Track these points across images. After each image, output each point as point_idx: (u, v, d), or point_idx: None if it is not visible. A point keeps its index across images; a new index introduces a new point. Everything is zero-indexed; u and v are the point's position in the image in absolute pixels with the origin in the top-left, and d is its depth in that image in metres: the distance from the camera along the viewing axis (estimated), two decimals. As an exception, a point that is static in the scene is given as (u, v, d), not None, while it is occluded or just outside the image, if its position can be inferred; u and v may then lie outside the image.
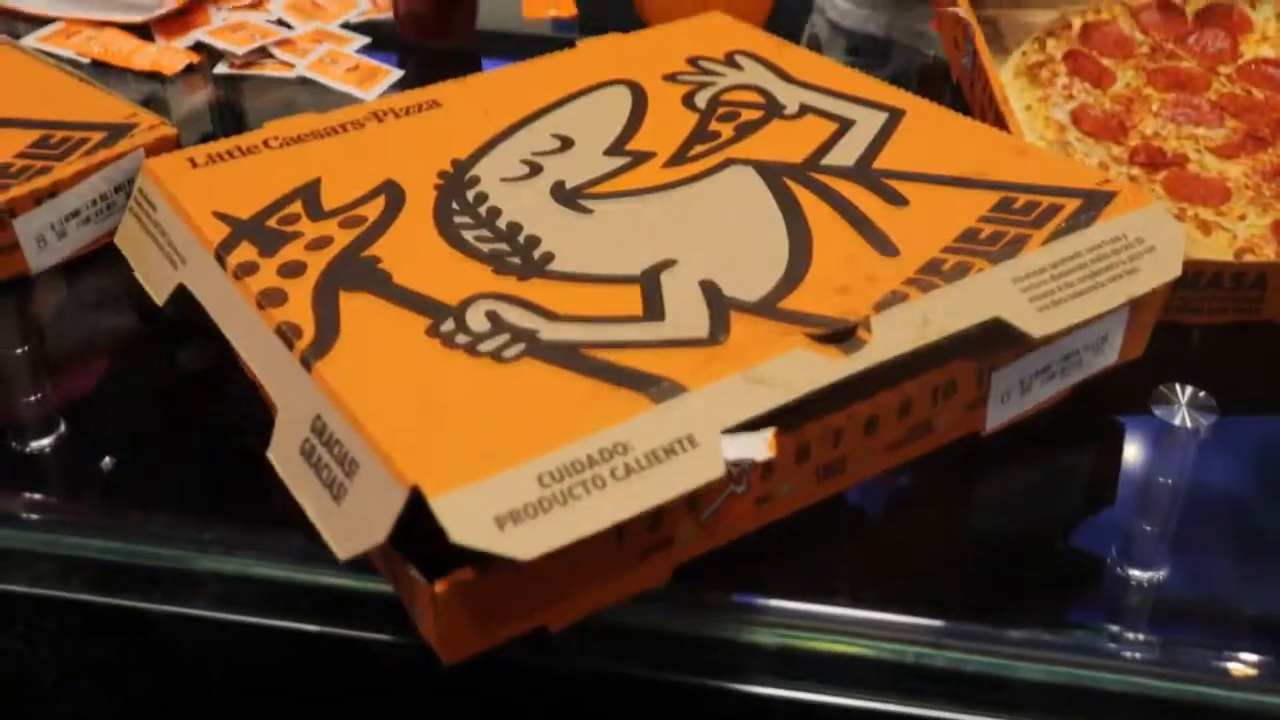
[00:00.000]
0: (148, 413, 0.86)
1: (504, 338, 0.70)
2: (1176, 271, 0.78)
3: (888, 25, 1.32)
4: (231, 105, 1.19)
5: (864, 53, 1.31)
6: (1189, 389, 0.72)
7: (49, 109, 1.00)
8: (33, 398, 0.82)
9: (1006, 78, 1.11)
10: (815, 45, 1.31)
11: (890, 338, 0.69)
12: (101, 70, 1.19)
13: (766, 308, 0.71)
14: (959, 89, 1.14)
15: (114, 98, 1.04)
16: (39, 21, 1.24)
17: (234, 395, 0.81)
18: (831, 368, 0.67)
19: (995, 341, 0.73)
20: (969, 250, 0.75)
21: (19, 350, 0.83)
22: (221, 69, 1.22)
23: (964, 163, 0.85)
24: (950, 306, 0.72)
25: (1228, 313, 0.87)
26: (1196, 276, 0.85)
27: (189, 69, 1.20)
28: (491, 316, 0.72)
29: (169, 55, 1.21)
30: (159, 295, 0.83)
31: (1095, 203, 0.79)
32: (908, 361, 0.70)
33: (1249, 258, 0.90)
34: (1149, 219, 0.79)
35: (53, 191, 0.93)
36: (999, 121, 0.98)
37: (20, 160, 0.94)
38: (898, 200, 0.82)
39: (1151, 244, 0.78)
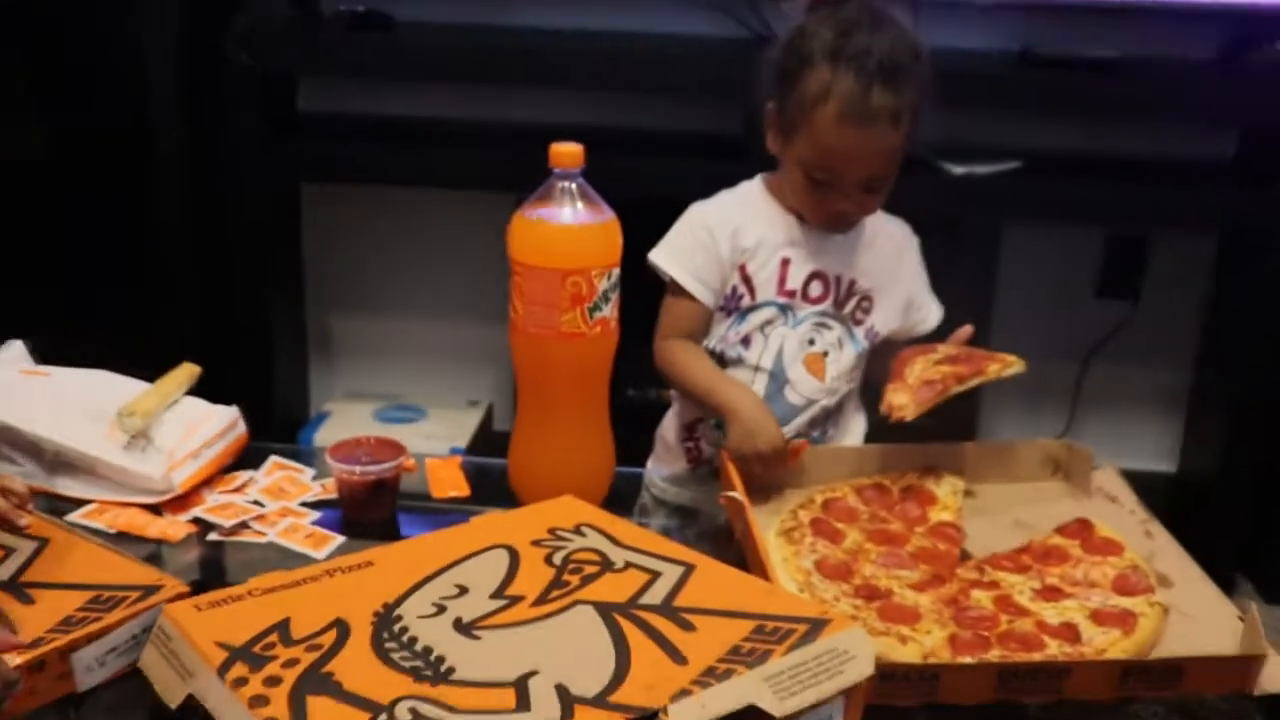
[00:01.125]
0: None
1: None
2: (869, 671, 0.90)
3: (693, 499, 1.39)
4: (219, 563, 1.22)
5: (678, 516, 1.38)
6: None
7: (100, 575, 1.06)
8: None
9: (770, 536, 1.19)
10: (644, 511, 1.37)
11: (680, 719, 0.82)
12: (123, 537, 1.21)
13: (599, 701, 0.84)
14: (741, 544, 1.20)
15: (146, 567, 1.09)
16: (79, 502, 1.28)
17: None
18: (643, 742, 0.79)
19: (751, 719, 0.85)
20: (734, 660, 0.88)
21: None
22: (213, 536, 1.24)
23: (733, 601, 0.97)
24: (720, 696, 0.84)
25: (918, 697, 0.97)
26: (894, 673, 0.95)
27: (187, 537, 1.24)
28: (413, 711, 0.82)
29: (174, 527, 1.24)
30: (173, 701, 0.90)
31: (816, 627, 0.92)
32: None
33: (931, 659, 1.01)
34: (851, 637, 0.92)
35: (101, 634, 0.99)
36: (763, 570, 1.08)
37: (79, 612, 1.00)
38: (689, 627, 0.93)
39: (853, 654, 0.91)
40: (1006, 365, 1.34)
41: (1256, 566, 2.57)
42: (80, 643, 0.98)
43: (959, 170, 2.34)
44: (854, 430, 1.56)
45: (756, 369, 1.49)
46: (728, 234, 1.46)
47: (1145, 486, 1.33)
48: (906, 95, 1.37)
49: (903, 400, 1.31)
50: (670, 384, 1.52)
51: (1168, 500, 2.66)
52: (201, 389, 1.42)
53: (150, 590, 1.05)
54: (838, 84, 1.35)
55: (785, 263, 1.47)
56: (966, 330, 1.43)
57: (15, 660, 0.95)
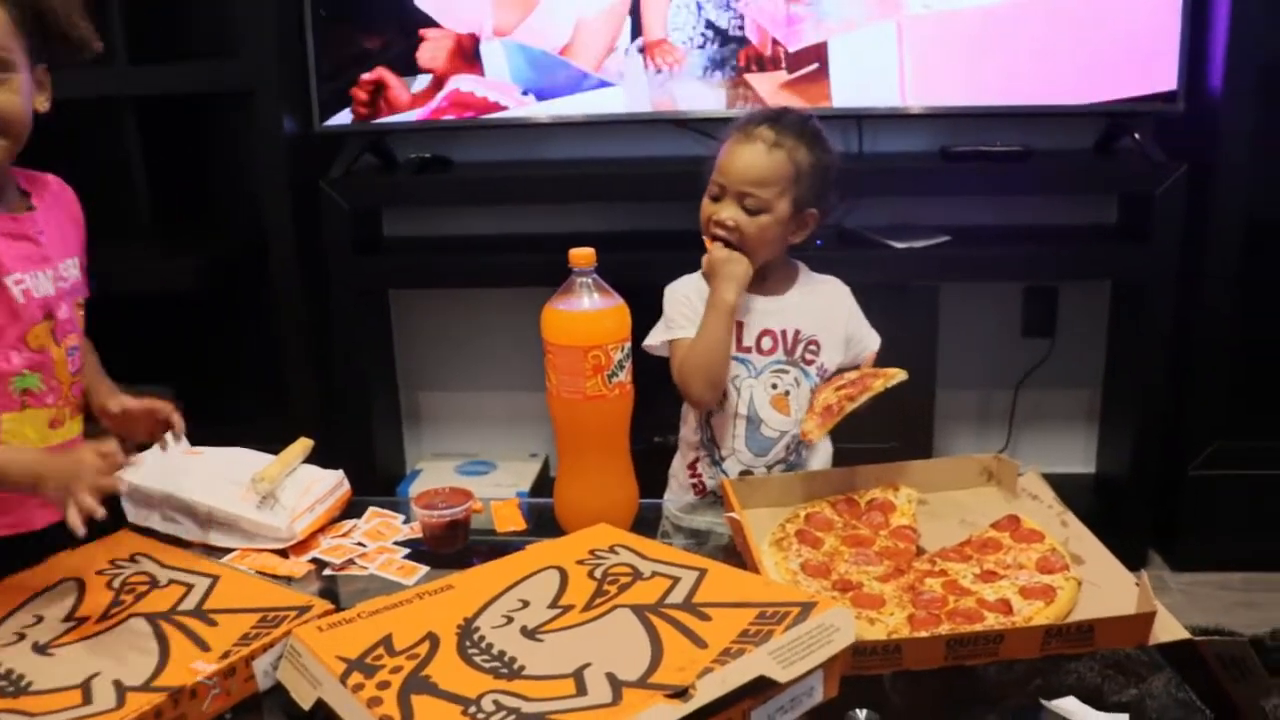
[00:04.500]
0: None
1: (504, 713, 0.82)
2: (849, 641, 0.91)
3: (708, 524, 1.34)
4: (334, 592, 1.21)
5: (692, 538, 1.32)
6: (864, 711, 0.86)
7: (264, 600, 1.07)
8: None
9: (763, 546, 1.18)
10: (666, 536, 1.33)
11: (706, 692, 0.83)
12: (260, 575, 1.20)
13: (641, 683, 0.85)
14: (740, 555, 1.18)
15: (297, 592, 1.11)
16: (225, 550, 1.28)
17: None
18: (676, 712, 0.81)
19: (761, 687, 0.86)
20: (744, 640, 0.89)
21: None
22: (327, 571, 1.25)
23: (739, 594, 0.98)
24: (737, 671, 0.85)
25: (885, 668, 0.97)
26: (865, 648, 0.96)
27: (308, 573, 1.25)
28: (495, 703, 0.84)
29: (298, 566, 1.26)
30: (306, 704, 0.92)
31: (807, 609, 0.93)
32: (717, 704, 0.83)
33: (893, 636, 1.01)
34: (835, 616, 0.93)
35: (272, 644, 1.00)
36: (757, 571, 1.10)
37: (254, 629, 1.02)
38: (706, 618, 0.95)
39: (838, 627, 0.92)
40: (890, 378, 1.34)
41: (1163, 543, 2.56)
42: (258, 652, 1.00)
43: (901, 246, 2.36)
44: (822, 452, 1.54)
45: (735, 415, 1.49)
46: (698, 297, 1.48)
47: (1071, 485, 1.33)
48: (787, 141, 1.43)
49: (809, 426, 1.33)
50: (700, 375, 1.45)
51: (1090, 495, 2.66)
52: (318, 457, 1.43)
53: (304, 609, 1.05)
54: (738, 124, 1.46)
55: (739, 326, 1.47)
56: (869, 356, 1.49)
57: (211, 668, 0.96)
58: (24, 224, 1.19)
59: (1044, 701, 0.94)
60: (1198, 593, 2.43)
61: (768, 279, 1.50)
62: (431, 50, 2.37)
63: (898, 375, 1.34)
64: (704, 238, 1.47)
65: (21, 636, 1.03)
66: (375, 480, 2.62)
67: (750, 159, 1.42)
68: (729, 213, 1.44)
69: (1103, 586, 1.11)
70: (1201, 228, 2.32)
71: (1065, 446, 2.79)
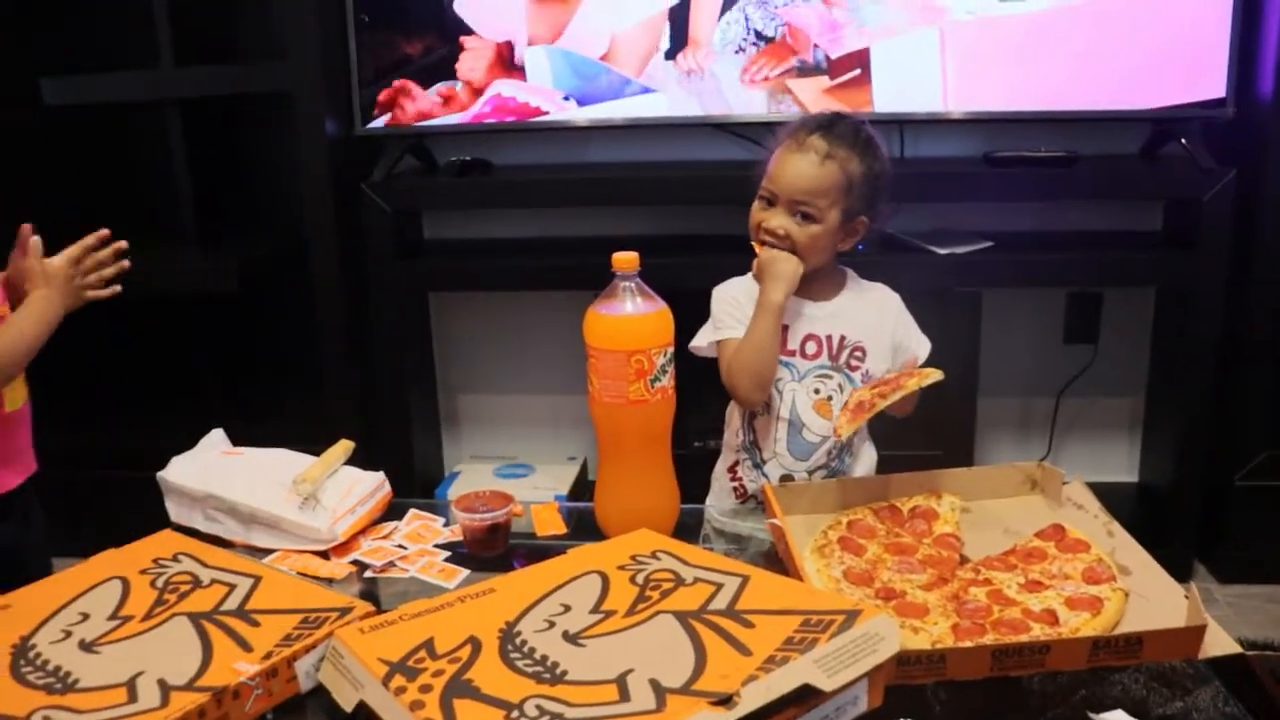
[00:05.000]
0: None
1: (546, 719, 0.82)
2: (894, 650, 0.90)
3: (750, 529, 1.35)
4: (374, 594, 1.21)
5: (734, 543, 1.32)
6: None
7: (305, 602, 1.08)
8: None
9: (805, 553, 1.18)
10: (707, 540, 1.32)
11: (751, 700, 0.82)
12: (301, 577, 1.21)
13: (685, 689, 0.84)
14: (783, 561, 1.18)
15: (338, 594, 1.11)
16: (267, 550, 1.29)
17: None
18: (720, 719, 0.81)
19: (806, 695, 0.86)
20: (788, 648, 0.89)
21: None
22: (368, 574, 1.25)
23: (783, 601, 0.98)
24: (781, 679, 0.85)
25: (929, 677, 0.96)
26: (909, 657, 0.95)
27: (349, 575, 1.25)
28: (538, 707, 0.84)
29: (339, 568, 1.26)
30: (348, 706, 0.92)
31: (851, 617, 0.92)
32: (761, 712, 0.83)
33: (937, 645, 1.00)
34: (880, 624, 0.92)
35: (314, 645, 1.00)
36: (800, 578, 1.09)
37: (296, 630, 1.02)
38: (749, 625, 0.94)
39: (883, 636, 0.91)
40: (925, 377, 1.33)
41: (1209, 554, 2.53)
42: (300, 653, 1.00)
43: (943, 251, 2.34)
44: (865, 458, 1.54)
45: (777, 419, 1.49)
46: (747, 299, 1.48)
47: (1114, 495, 1.31)
48: (840, 152, 1.42)
49: (840, 422, 1.33)
50: (748, 374, 1.45)
51: (1133, 505, 2.63)
52: (357, 459, 1.43)
53: (345, 610, 1.06)
54: (789, 131, 1.46)
55: (784, 329, 1.47)
56: (911, 360, 1.47)
57: (253, 669, 0.96)
58: None
59: (1091, 715, 0.93)
60: (1244, 605, 2.39)
61: (814, 284, 1.49)
62: (472, 60, 2.37)
63: (932, 375, 1.33)
64: (752, 243, 1.47)
65: (68, 634, 1.04)
66: (414, 482, 2.63)
67: (802, 169, 1.42)
68: (779, 221, 1.44)
69: (1150, 598, 1.09)
70: (1250, 234, 2.28)
71: (1108, 455, 2.76)
